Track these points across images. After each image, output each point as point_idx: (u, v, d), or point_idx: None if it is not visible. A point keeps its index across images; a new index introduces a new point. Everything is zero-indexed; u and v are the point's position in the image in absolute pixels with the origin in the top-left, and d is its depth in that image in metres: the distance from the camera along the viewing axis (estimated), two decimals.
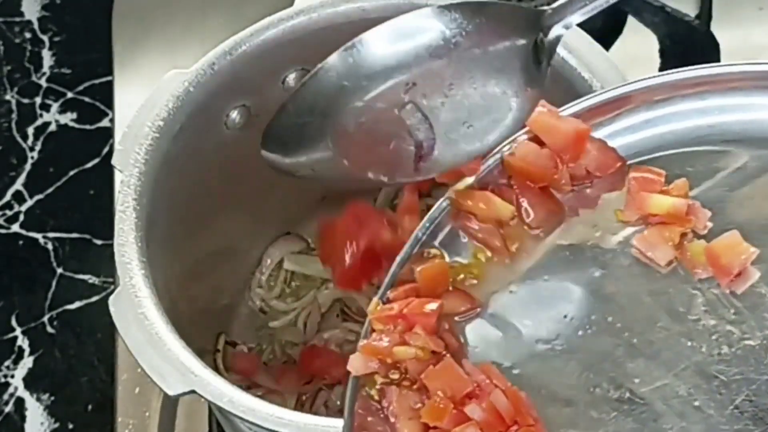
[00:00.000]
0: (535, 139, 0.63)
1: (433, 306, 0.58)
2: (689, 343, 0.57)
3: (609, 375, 0.57)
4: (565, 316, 0.59)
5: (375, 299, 0.60)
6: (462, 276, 0.61)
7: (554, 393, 0.57)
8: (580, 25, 0.76)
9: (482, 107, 0.65)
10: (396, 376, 0.58)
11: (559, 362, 0.58)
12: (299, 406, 0.89)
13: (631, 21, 1.03)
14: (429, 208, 0.94)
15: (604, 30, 1.03)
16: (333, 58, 0.65)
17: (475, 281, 0.61)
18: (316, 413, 0.80)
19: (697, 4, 1.02)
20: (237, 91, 0.81)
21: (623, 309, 0.59)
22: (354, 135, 0.65)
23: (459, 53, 0.64)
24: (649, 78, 0.64)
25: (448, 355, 0.58)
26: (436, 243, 0.62)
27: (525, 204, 0.62)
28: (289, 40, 0.80)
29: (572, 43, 0.76)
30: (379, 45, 0.65)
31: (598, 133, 0.63)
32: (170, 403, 0.92)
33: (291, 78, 0.83)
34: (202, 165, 0.81)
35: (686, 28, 0.98)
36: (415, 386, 0.57)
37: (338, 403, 0.89)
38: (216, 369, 0.85)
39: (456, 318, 0.60)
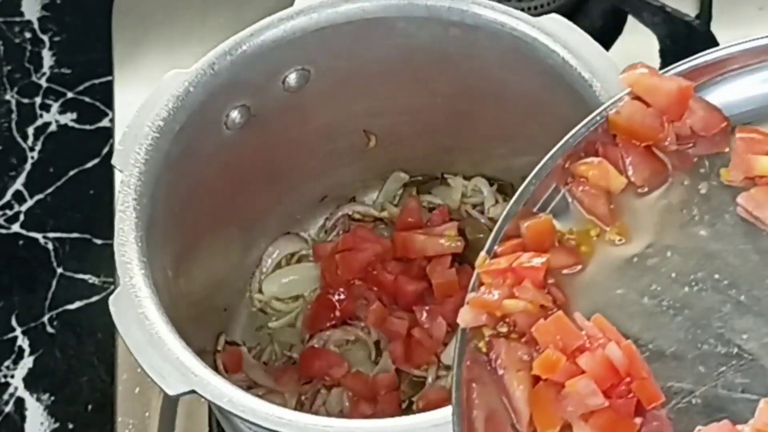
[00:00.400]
0: (639, 99, 0.63)
1: (541, 260, 0.59)
2: None
3: (716, 331, 0.58)
4: (672, 274, 0.60)
5: (482, 253, 0.61)
6: (566, 236, 0.62)
7: (661, 348, 0.58)
8: (580, 24, 0.77)
9: None
10: (504, 330, 0.59)
11: (666, 318, 0.59)
12: (299, 406, 0.89)
13: (631, 21, 1.03)
14: (430, 206, 0.96)
15: (604, 30, 1.03)
16: None
17: (575, 241, 0.62)
18: (315, 413, 0.80)
19: (697, 4, 1.02)
20: (237, 91, 0.81)
21: (730, 267, 0.60)
22: None
23: None
24: (751, 40, 0.64)
25: (556, 308, 0.58)
26: (540, 202, 0.63)
27: (630, 162, 0.62)
28: (289, 40, 0.80)
29: (572, 43, 0.76)
30: None
31: (701, 95, 0.63)
32: (170, 403, 0.92)
33: (291, 78, 0.83)
34: (202, 165, 0.81)
35: (686, 28, 0.98)
36: (523, 339, 0.58)
37: (337, 404, 0.90)
38: (216, 369, 0.85)
39: (562, 273, 0.61)
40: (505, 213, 0.62)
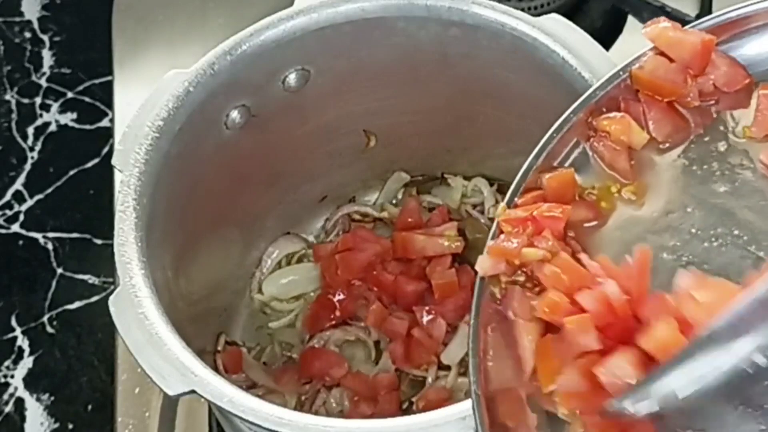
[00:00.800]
0: (663, 55, 0.63)
1: (561, 210, 0.59)
2: None
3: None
4: (691, 230, 0.60)
5: (502, 204, 0.61)
6: (587, 191, 0.62)
7: None
8: (580, 24, 0.77)
9: None
10: (521, 279, 0.58)
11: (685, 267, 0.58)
12: (299, 406, 0.89)
13: (631, 21, 1.03)
14: (430, 206, 0.96)
15: (604, 30, 1.03)
16: None
17: (596, 197, 0.62)
18: (315, 413, 0.80)
19: (697, 4, 1.02)
20: (237, 91, 0.81)
21: (749, 223, 0.59)
22: None
23: None
24: None
25: (563, 253, 0.58)
26: (561, 157, 0.63)
27: (652, 117, 0.62)
28: (289, 40, 0.80)
29: (572, 43, 0.76)
30: None
31: (724, 51, 0.63)
32: (170, 404, 0.92)
33: (291, 78, 0.83)
34: (202, 164, 0.81)
35: None
36: (537, 289, 0.58)
37: (337, 404, 0.90)
38: (216, 369, 0.85)
39: (582, 227, 0.60)
40: (525, 166, 0.62)
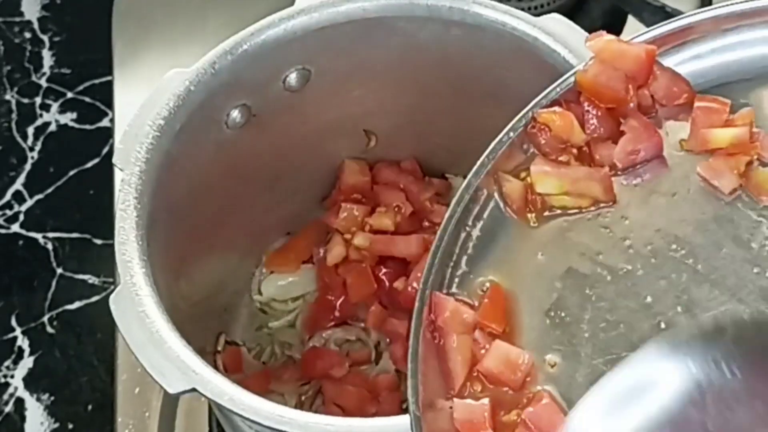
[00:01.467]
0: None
1: None
2: (754, 269, 0.58)
3: (673, 300, 0.58)
4: (627, 242, 0.60)
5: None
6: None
7: (616, 319, 0.58)
8: (580, 24, 0.77)
9: None
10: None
11: (621, 286, 0.59)
12: (299, 406, 0.89)
13: (631, 21, 1.03)
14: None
15: (604, 30, 1.03)
16: None
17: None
18: (315, 413, 0.80)
19: (697, 4, 1.02)
20: (237, 90, 0.81)
21: (687, 236, 0.59)
22: None
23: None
24: (716, 8, 0.64)
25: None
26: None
27: (590, 119, 0.63)
28: (290, 39, 0.80)
29: (573, 43, 0.76)
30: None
31: (664, 63, 0.64)
32: (170, 403, 0.92)
33: (292, 77, 0.83)
34: (203, 164, 0.81)
35: None
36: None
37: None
38: (216, 369, 0.85)
39: None
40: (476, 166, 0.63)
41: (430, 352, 0.58)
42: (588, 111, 0.63)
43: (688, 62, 0.64)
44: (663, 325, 0.57)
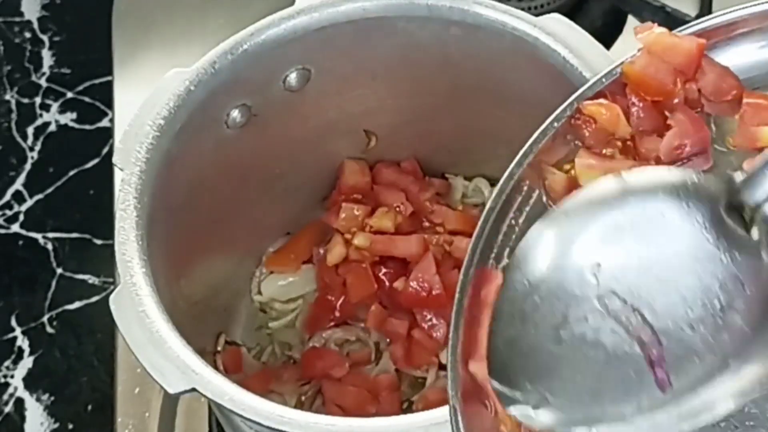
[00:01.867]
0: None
1: None
2: None
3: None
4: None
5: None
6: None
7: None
8: (580, 24, 0.77)
9: None
10: None
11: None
12: (299, 406, 0.89)
13: (631, 21, 1.03)
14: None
15: (604, 30, 1.03)
16: None
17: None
18: (315, 413, 0.80)
19: (697, 4, 1.02)
20: (238, 90, 0.81)
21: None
22: None
23: None
24: (763, 2, 0.62)
25: None
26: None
27: (636, 112, 0.61)
28: (290, 39, 0.80)
29: (573, 42, 0.76)
30: None
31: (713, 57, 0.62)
32: (170, 403, 0.92)
33: (291, 77, 0.83)
34: (203, 164, 0.81)
35: None
36: None
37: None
38: (216, 370, 0.85)
39: None
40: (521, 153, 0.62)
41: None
42: (634, 104, 0.62)
43: (737, 58, 0.63)
44: None
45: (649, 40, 0.62)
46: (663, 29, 0.62)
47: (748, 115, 0.60)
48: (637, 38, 0.63)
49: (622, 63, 0.63)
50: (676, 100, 0.62)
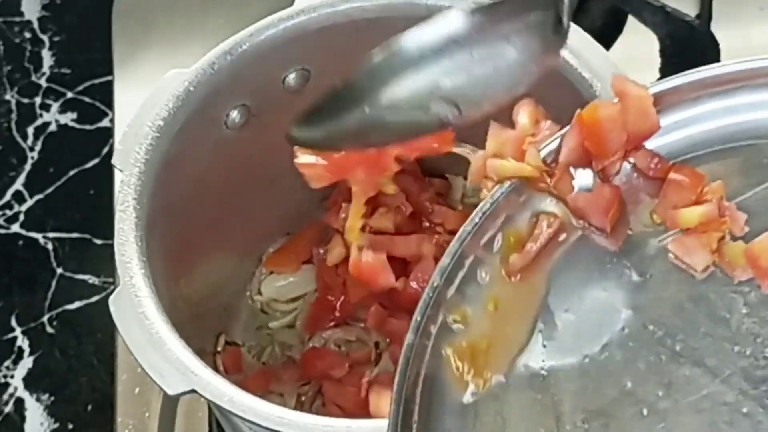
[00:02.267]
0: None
1: None
2: (734, 348, 0.56)
3: (654, 384, 0.56)
4: (604, 326, 0.58)
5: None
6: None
7: (600, 408, 0.56)
8: (580, 24, 0.77)
9: (503, 77, 0.63)
10: None
11: (601, 374, 0.57)
12: (299, 406, 0.89)
13: (631, 21, 1.02)
14: None
15: (604, 30, 1.03)
16: (376, 53, 0.65)
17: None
18: (315, 413, 0.80)
19: (697, 4, 1.02)
20: (237, 90, 0.81)
21: (663, 316, 0.57)
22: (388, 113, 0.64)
23: (480, 46, 0.62)
24: (676, 77, 0.61)
25: None
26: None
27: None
28: (289, 39, 0.80)
29: (573, 43, 0.75)
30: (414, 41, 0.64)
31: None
32: (170, 404, 0.92)
33: (291, 78, 0.83)
34: (202, 164, 0.81)
35: (686, 28, 0.98)
36: None
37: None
38: (216, 370, 0.85)
39: None
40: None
41: None
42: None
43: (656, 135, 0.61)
44: (645, 412, 0.55)
45: (620, 88, 0.60)
46: (644, 91, 0.60)
47: (669, 194, 0.59)
48: (613, 86, 0.61)
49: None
50: (613, 167, 0.60)
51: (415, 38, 0.63)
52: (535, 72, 0.63)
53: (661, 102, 0.60)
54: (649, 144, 0.60)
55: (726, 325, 0.56)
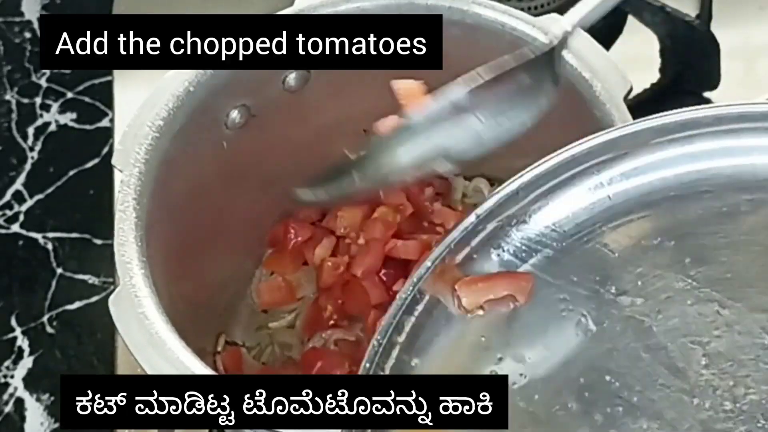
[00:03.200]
0: None
1: None
2: (693, 401, 0.55)
3: None
4: (556, 381, 0.57)
5: None
6: None
7: None
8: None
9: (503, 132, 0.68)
10: None
11: (556, 426, 0.56)
12: None
13: (631, 21, 1.02)
14: None
15: (604, 30, 1.03)
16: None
17: None
18: None
19: (697, 4, 1.02)
20: (237, 90, 0.81)
21: (620, 367, 0.56)
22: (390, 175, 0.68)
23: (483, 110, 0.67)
24: (635, 123, 0.61)
25: None
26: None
27: None
28: None
29: (573, 43, 0.75)
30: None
31: (590, 181, 0.62)
32: None
33: (291, 78, 0.83)
34: (202, 164, 0.81)
35: (686, 28, 0.98)
36: None
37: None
38: (216, 370, 0.85)
39: None
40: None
41: None
42: None
43: (615, 180, 0.62)
44: None
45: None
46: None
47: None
48: None
49: None
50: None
51: (423, 110, 0.66)
52: (528, 125, 0.66)
53: (623, 146, 0.60)
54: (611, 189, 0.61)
55: (684, 377, 0.55)
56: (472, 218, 0.61)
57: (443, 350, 0.59)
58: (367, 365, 0.57)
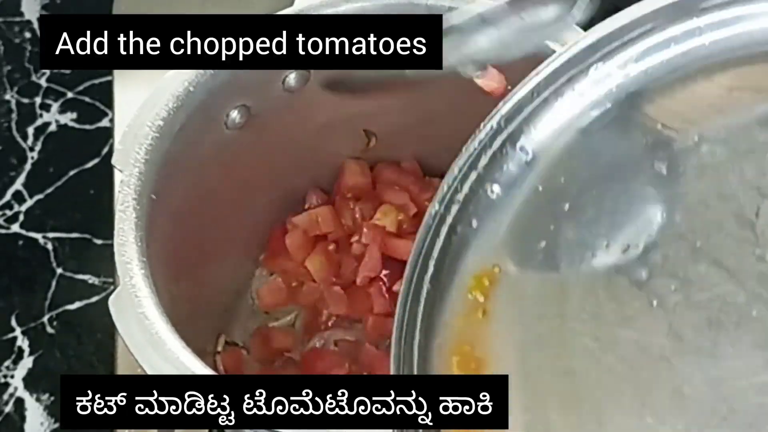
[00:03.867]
0: None
1: None
2: (755, 251, 0.55)
3: (668, 277, 0.55)
4: (629, 215, 0.58)
5: None
6: None
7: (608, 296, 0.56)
8: (579, 23, 0.77)
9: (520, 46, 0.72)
10: None
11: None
12: None
13: None
14: None
15: None
16: None
17: None
18: None
19: None
20: (237, 90, 0.81)
21: (689, 210, 0.56)
22: None
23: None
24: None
25: None
26: None
27: None
28: None
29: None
30: None
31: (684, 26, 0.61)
32: None
33: (291, 78, 0.83)
34: (202, 164, 0.81)
35: None
36: None
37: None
38: (216, 370, 0.85)
39: None
40: None
41: None
42: None
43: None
44: (655, 303, 0.55)
45: None
46: None
47: None
48: None
49: None
50: None
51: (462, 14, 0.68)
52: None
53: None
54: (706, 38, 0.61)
55: (751, 227, 0.55)
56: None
57: None
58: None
